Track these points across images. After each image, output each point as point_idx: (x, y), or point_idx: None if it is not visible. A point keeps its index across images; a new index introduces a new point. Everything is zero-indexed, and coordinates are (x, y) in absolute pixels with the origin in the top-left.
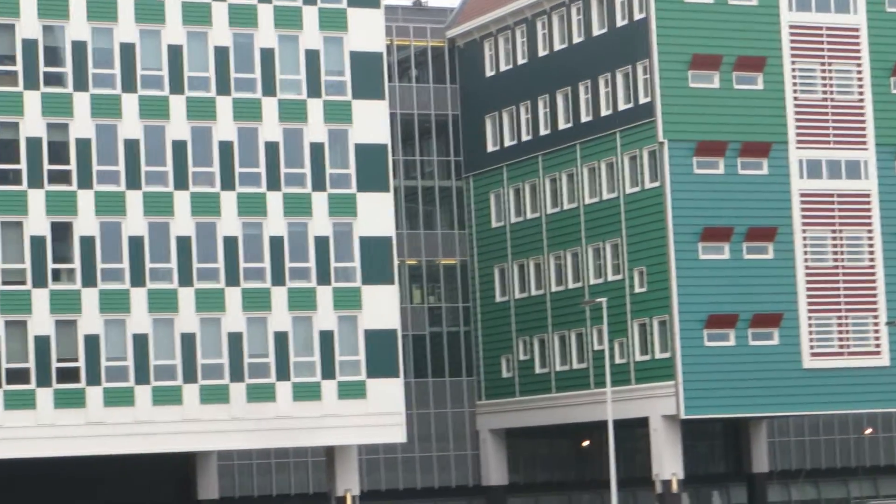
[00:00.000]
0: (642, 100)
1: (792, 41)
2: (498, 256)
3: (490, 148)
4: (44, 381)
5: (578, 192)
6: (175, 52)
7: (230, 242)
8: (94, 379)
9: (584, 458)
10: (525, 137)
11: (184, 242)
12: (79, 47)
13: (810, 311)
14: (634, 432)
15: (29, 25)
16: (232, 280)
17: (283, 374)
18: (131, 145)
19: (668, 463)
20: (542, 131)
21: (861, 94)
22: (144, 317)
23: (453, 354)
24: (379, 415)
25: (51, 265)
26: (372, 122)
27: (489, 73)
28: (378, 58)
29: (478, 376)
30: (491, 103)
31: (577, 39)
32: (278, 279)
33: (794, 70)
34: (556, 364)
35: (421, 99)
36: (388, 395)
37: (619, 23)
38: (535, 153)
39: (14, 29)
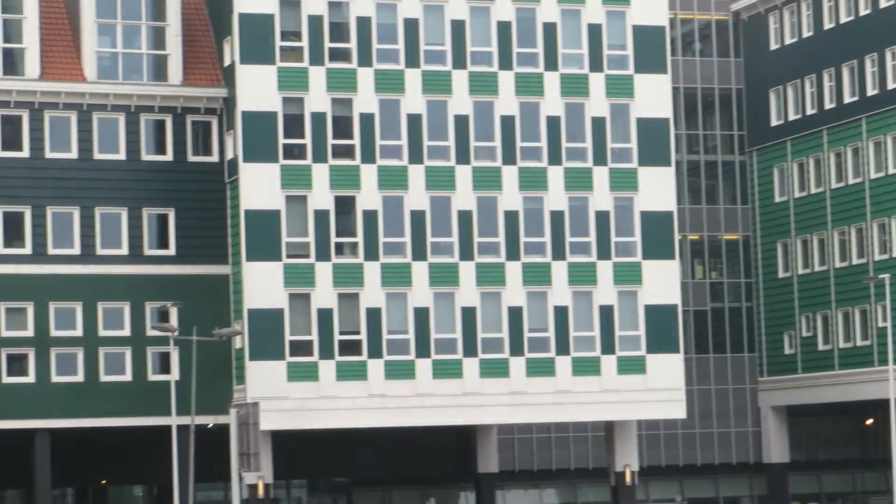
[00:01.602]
0: None
1: None
2: (781, 231)
3: (774, 122)
4: (326, 353)
5: (864, 166)
6: (458, 27)
7: (511, 217)
8: (375, 352)
9: (868, 437)
10: (809, 111)
11: (465, 217)
12: (363, 23)
13: None
14: None
15: (314, 2)
16: (512, 254)
17: (562, 348)
18: (414, 120)
19: None
20: (827, 105)
21: None
22: (425, 290)
23: (735, 330)
24: (659, 390)
25: (334, 239)
26: (654, 97)
27: (774, 46)
28: (661, 31)
29: (759, 353)
30: (775, 77)
31: (863, 12)
32: (559, 254)
33: None
34: (840, 341)
35: (704, 73)
36: (669, 370)
37: None
38: (820, 127)
39: (300, 6)
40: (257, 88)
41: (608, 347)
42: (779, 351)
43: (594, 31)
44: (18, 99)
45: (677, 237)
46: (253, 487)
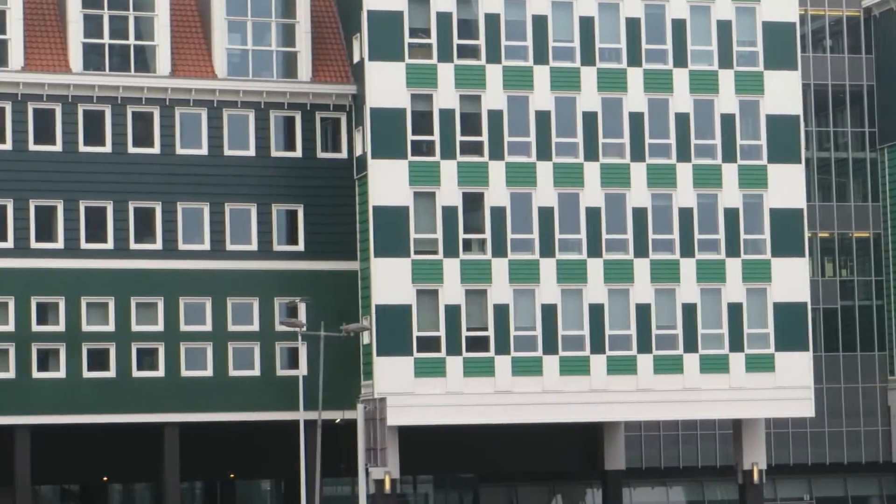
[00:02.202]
0: None
1: None
2: None
3: None
4: (454, 349)
5: None
6: (587, 23)
7: (639, 213)
8: (502, 348)
9: None
10: None
11: (593, 213)
12: (492, 20)
13: None
14: None
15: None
16: (641, 251)
17: (690, 345)
18: (542, 116)
19: None
20: None
21: None
22: (553, 287)
23: (865, 329)
24: (787, 388)
25: (462, 235)
26: (784, 93)
27: None
28: (791, 28)
29: (890, 351)
30: None
31: None
32: (687, 251)
33: None
34: None
35: (835, 69)
36: (797, 368)
37: None
38: None
39: (429, 3)
40: (386, 85)
41: (736, 345)
42: None
43: (724, 27)
44: (150, 96)
45: (807, 235)
46: (380, 482)
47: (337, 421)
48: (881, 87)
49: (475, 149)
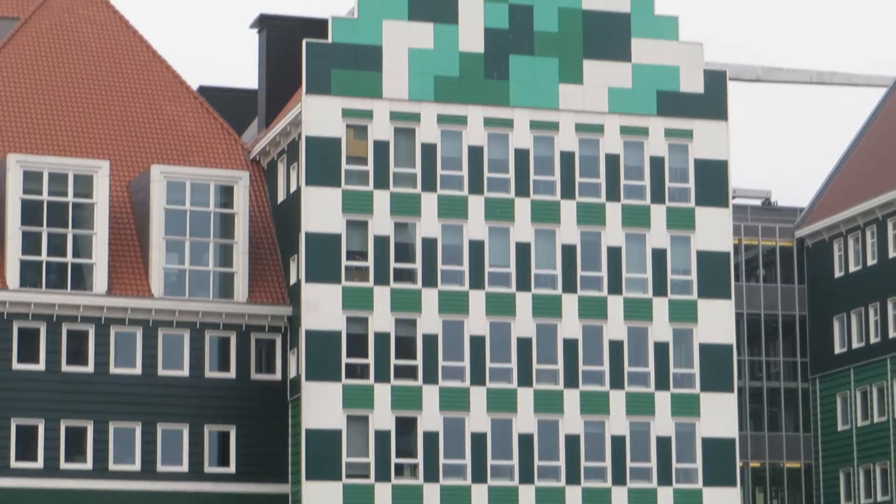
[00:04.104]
0: None
1: None
2: (843, 460)
3: (837, 349)
4: None
5: None
6: (523, 249)
7: (572, 441)
8: None
9: None
10: (874, 339)
11: (525, 440)
12: (429, 244)
13: None
14: None
15: (381, 223)
16: (572, 479)
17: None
18: (477, 341)
19: None
20: (892, 333)
21: None
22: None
23: None
24: None
25: (394, 460)
26: (718, 322)
27: (838, 273)
28: (725, 257)
29: None
30: (839, 304)
31: None
32: (619, 480)
33: None
34: None
35: (768, 299)
36: None
37: None
38: (884, 355)
39: (367, 226)
40: (322, 307)
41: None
42: None
43: (659, 256)
44: (85, 314)
45: (738, 464)
46: None
47: None
48: (813, 317)
49: (409, 373)
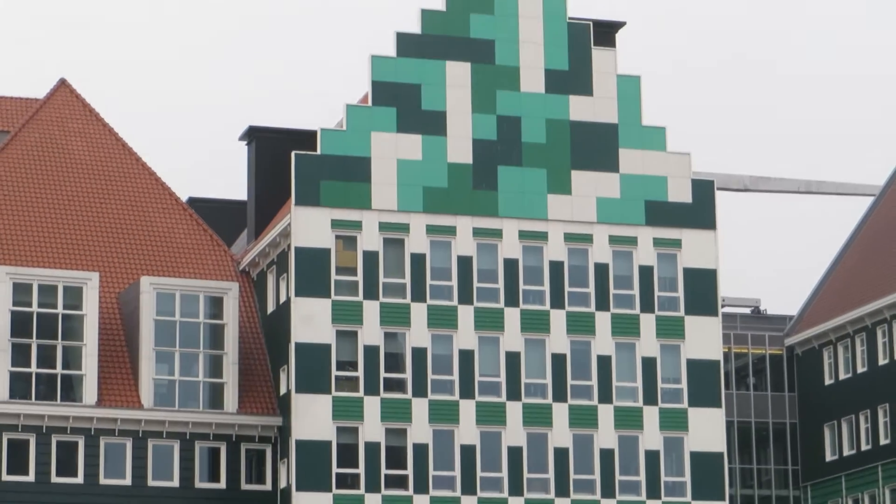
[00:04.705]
0: None
1: None
2: None
3: (828, 457)
4: None
5: None
6: (513, 358)
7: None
8: None
9: None
10: (864, 447)
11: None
12: (419, 354)
13: None
14: None
15: (371, 333)
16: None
17: None
18: (468, 451)
19: None
20: (882, 441)
21: None
22: None
23: None
24: None
25: None
26: (708, 430)
27: (828, 381)
28: (715, 366)
29: None
30: (829, 411)
31: None
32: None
33: None
34: None
35: (759, 406)
36: None
37: None
38: (875, 463)
39: (357, 336)
40: (312, 417)
41: None
42: None
43: (649, 364)
44: (75, 425)
45: None
46: None
47: None
48: (804, 425)
49: (400, 482)
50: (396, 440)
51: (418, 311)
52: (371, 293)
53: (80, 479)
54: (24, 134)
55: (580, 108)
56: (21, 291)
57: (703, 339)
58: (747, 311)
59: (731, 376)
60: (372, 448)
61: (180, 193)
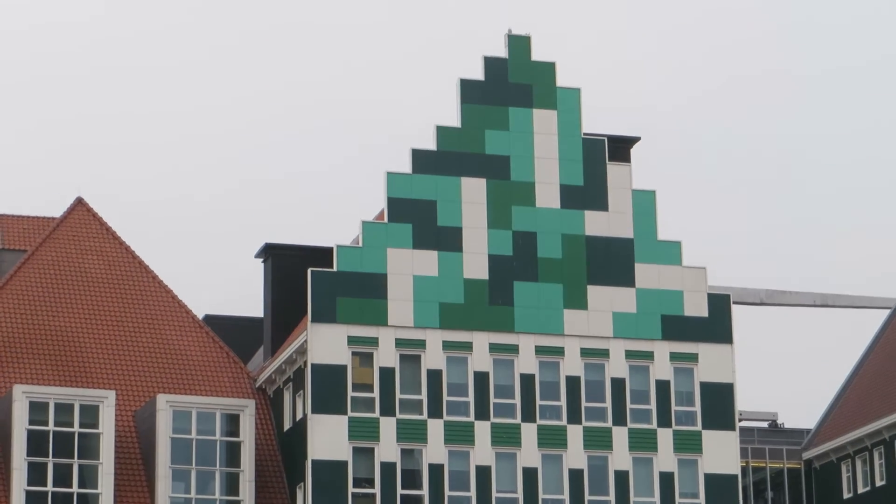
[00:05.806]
0: None
1: None
2: None
3: None
4: None
5: None
6: (530, 474)
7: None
8: None
9: None
10: None
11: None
12: (436, 471)
13: None
14: None
15: (387, 450)
16: None
17: None
18: None
19: None
20: None
21: None
22: None
23: None
24: None
25: None
26: None
27: (846, 494)
28: (733, 480)
29: None
30: None
31: None
32: None
33: None
34: None
35: None
36: None
37: None
38: None
39: (374, 453)
40: None
41: None
42: None
43: (666, 479)
44: None
45: None
46: None
47: None
48: None
49: None
50: None
51: (435, 428)
52: (387, 409)
53: None
54: (41, 253)
55: (596, 223)
56: (37, 410)
57: (721, 454)
58: (765, 424)
59: (749, 490)
60: None
61: (196, 311)
